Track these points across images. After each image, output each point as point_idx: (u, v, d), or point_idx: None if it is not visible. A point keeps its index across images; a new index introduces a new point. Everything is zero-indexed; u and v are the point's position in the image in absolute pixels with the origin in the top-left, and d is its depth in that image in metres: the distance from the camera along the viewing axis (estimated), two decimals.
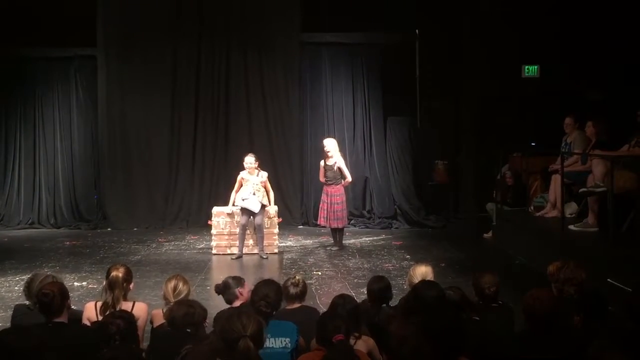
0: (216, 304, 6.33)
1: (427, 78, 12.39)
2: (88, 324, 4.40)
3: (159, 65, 12.44)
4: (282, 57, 12.51)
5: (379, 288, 4.74)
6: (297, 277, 4.77)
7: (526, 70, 12.22)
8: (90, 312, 4.54)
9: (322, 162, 9.97)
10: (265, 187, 9.50)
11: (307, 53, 12.74)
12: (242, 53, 12.52)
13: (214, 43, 12.51)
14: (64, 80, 12.78)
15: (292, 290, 4.66)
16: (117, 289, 4.59)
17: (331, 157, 9.80)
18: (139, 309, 4.54)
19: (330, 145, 9.84)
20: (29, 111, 12.75)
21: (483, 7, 11.92)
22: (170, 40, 12.44)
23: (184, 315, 4.02)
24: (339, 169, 9.83)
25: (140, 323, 4.42)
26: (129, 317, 3.86)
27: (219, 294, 4.96)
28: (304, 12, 12.23)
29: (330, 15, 12.14)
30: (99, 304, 4.58)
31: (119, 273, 4.65)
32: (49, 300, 4.01)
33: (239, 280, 4.90)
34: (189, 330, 4.00)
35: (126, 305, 4.50)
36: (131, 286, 4.78)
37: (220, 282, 5.01)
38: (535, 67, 12.17)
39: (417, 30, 12.43)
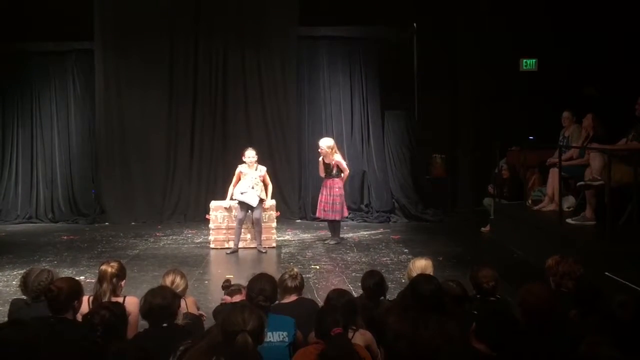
0: (214, 299, 6.36)
1: (425, 71, 12.39)
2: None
3: (157, 59, 12.42)
4: (280, 51, 12.49)
5: (374, 283, 4.75)
6: (294, 270, 4.78)
7: (524, 64, 12.23)
8: (84, 306, 4.52)
9: (320, 158, 9.97)
10: (264, 181, 9.50)
11: (304, 47, 12.71)
12: (239, 47, 12.49)
13: (211, 37, 12.49)
14: (61, 75, 12.76)
15: (290, 283, 4.67)
16: (105, 282, 4.56)
17: (328, 157, 9.79)
18: (130, 304, 4.46)
19: (325, 145, 9.80)
20: (26, 106, 12.74)
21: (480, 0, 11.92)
22: (167, 34, 12.42)
23: (161, 306, 3.92)
24: (338, 167, 9.84)
25: (132, 318, 4.39)
26: (116, 309, 3.78)
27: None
28: (301, 6, 12.22)
29: (327, 9, 12.12)
30: (91, 298, 4.57)
31: (108, 268, 4.63)
32: (52, 296, 4.01)
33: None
34: (165, 324, 3.90)
35: (116, 300, 4.46)
36: (123, 283, 4.70)
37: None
38: (534, 60, 12.19)
39: (414, 24, 12.42)
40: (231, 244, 9.60)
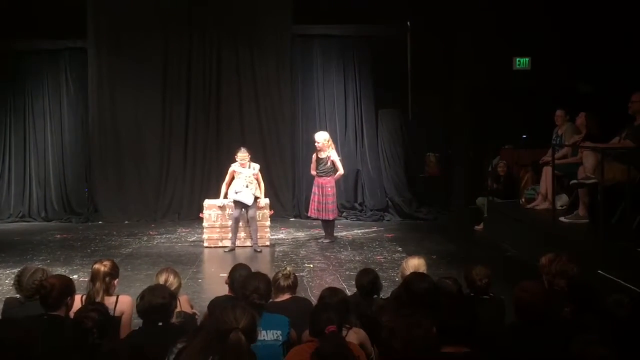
0: (207, 297, 6.33)
1: (419, 70, 12.38)
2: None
3: (150, 57, 12.39)
4: (274, 50, 12.48)
5: (369, 281, 4.75)
6: (287, 269, 4.78)
7: (517, 63, 12.22)
8: (77, 304, 4.51)
9: (314, 155, 9.96)
10: (257, 179, 9.51)
11: (298, 45, 12.71)
12: (233, 45, 12.48)
13: (205, 35, 12.47)
14: (54, 73, 12.72)
15: (283, 282, 4.68)
16: (97, 281, 4.54)
17: (323, 150, 9.79)
18: (123, 303, 4.47)
19: (321, 139, 9.82)
20: (19, 104, 12.70)
21: None
22: (161, 32, 12.39)
23: (161, 305, 3.90)
24: (332, 162, 9.83)
25: (125, 316, 4.38)
26: (101, 309, 3.79)
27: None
28: (295, 4, 12.20)
29: (321, 7, 12.11)
30: (84, 297, 4.56)
31: (101, 267, 4.61)
32: (45, 293, 4.01)
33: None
34: (160, 323, 3.88)
35: (109, 300, 4.45)
36: (115, 282, 4.68)
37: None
38: (527, 59, 12.17)
39: (408, 23, 12.41)
40: (225, 243, 9.61)
